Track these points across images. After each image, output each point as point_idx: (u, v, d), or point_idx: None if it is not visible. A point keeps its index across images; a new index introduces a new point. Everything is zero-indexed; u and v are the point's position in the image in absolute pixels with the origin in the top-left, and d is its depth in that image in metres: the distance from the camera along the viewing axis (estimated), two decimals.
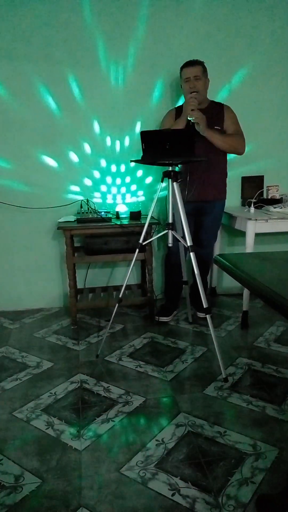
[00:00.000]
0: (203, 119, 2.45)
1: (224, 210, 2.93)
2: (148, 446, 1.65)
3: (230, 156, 2.80)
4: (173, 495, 1.41)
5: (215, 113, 2.64)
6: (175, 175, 2.20)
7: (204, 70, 2.57)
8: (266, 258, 1.34)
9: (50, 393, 2.04)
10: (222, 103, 2.72)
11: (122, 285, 2.43)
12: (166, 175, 2.21)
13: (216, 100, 2.76)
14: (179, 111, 2.66)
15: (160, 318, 2.89)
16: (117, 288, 3.13)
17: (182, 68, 2.58)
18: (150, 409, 1.90)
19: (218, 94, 2.99)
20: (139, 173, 3.10)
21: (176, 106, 2.79)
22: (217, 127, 2.59)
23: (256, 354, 2.39)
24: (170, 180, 2.21)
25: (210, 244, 2.94)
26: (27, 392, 2.06)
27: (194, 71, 2.53)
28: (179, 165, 2.29)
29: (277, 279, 1.11)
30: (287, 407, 1.88)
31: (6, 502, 1.39)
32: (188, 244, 2.18)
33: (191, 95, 2.46)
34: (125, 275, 3.13)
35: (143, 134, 2.14)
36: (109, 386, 2.09)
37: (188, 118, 2.45)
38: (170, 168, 2.19)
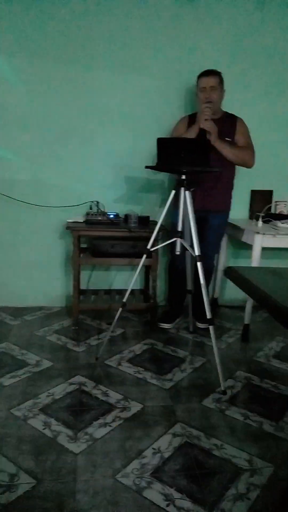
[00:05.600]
0: (215, 130, 2.47)
1: (232, 222, 2.94)
2: (144, 454, 1.64)
3: (241, 168, 2.81)
4: (167, 505, 1.40)
5: (228, 124, 2.65)
6: (188, 183, 2.20)
7: (221, 81, 2.58)
8: (278, 273, 1.34)
9: (49, 393, 2.04)
10: (235, 115, 2.73)
11: (125, 289, 2.44)
12: (179, 183, 2.22)
13: (230, 111, 2.77)
14: (191, 118, 2.68)
15: (161, 324, 2.89)
16: (120, 292, 3.13)
17: (199, 77, 2.59)
18: (148, 416, 1.89)
19: (233, 104, 3.00)
20: (150, 178, 3.11)
21: (189, 114, 2.80)
22: (228, 139, 2.61)
23: (255, 368, 2.39)
24: (183, 188, 2.22)
25: (212, 255, 2.94)
26: (26, 390, 2.05)
27: (211, 81, 2.54)
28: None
29: None
30: (284, 424, 1.88)
31: (0, 501, 1.38)
32: (196, 254, 2.19)
33: (206, 105, 2.47)
34: (129, 279, 3.14)
35: (159, 141, 2.15)
36: (107, 390, 2.08)
37: (201, 126, 2.46)
38: (184, 177, 2.20)
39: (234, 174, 2.77)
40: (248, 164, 2.70)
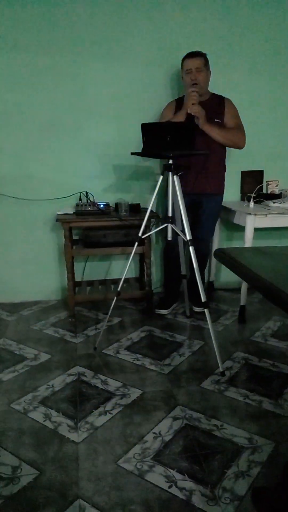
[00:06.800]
0: (203, 114, 2.45)
1: (224, 205, 2.92)
2: (145, 439, 1.65)
3: (230, 150, 2.79)
4: (170, 487, 1.41)
5: (216, 106, 2.62)
6: (175, 168, 2.18)
7: (206, 62, 2.55)
8: (267, 253, 1.34)
9: (48, 385, 2.04)
10: (223, 96, 2.70)
11: (120, 278, 2.43)
12: (167, 168, 2.20)
13: (218, 93, 2.74)
14: (179, 103, 2.65)
15: (158, 310, 2.89)
16: (115, 281, 3.13)
17: (183, 59, 2.56)
18: (147, 402, 1.90)
19: (219, 86, 2.96)
20: (139, 165, 3.08)
21: (176, 98, 2.77)
22: (217, 120, 2.58)
23: (253, 349, 2.40)
24: (170, 173, 2.20)
25: (207, 238, 2.93)
26: (25, 384, 2.06)
27: (196, 62, 2.50)
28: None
29: (278, 274, 1.11)
30: (284, 401, 1.89)
31: (3, 493, 1.39)
32: (188, 238, 2.18)
33: (192, 89, 2.44)
34: (124, 268, 3.14)
35: (144, 126, 2.13)
36: (106, 379, 2.09)
37: (188, 111, 2.44)
38: (171, 161, 2.18)
39: (225, 156, 2.74)
40: (239, 146, 2.67)
